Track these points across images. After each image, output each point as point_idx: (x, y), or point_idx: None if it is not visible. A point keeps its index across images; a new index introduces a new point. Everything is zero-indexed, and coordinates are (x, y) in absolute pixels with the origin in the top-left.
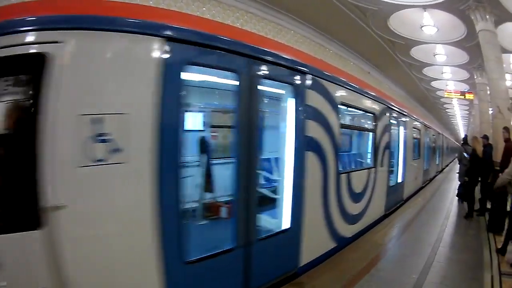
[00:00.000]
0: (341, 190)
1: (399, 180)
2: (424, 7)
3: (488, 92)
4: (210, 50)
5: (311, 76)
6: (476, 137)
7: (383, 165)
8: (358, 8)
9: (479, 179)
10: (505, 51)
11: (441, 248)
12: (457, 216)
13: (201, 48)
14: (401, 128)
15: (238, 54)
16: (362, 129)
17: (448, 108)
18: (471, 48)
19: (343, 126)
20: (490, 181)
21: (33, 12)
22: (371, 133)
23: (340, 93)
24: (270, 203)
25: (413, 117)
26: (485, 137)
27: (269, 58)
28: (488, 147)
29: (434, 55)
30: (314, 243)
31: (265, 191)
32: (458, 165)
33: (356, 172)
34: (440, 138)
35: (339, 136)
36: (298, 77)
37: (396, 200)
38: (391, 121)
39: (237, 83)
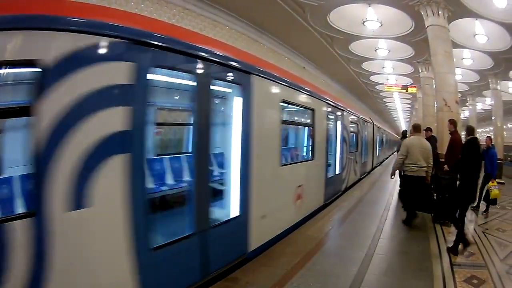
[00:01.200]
0: None
1: (234, 212)
2: (369, 3)
3: (434, 86)
4: None
5: None
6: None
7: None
8: (295, 2)
9: None
10: (457, 46)
11: (381, 239)
12: (397, 208)
13: None
14: (253, 104)
15: None
16: None
17: (388, 102)
18: (418, 42)
19: None
20: (435, 173)
21: None
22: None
23: None
24: None
25: (295, 87)
26: (429, 129)
27: None
28: (431, 139)
29: (376, 50)
30: None
31: None
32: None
33: None
34: (372, 129)
35: None
36: None
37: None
38: (204, 82)
39: None
